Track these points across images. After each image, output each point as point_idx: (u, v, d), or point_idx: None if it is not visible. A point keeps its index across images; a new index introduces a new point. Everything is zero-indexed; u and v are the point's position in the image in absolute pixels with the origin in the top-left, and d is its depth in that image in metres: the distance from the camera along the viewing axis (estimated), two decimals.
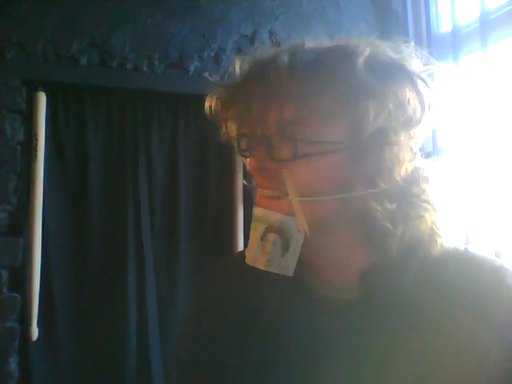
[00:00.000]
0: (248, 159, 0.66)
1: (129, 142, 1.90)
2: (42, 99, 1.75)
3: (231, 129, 0.67)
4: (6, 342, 1.66)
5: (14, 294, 1.69)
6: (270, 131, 0.61)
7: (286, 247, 0.61)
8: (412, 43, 0.65)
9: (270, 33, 2.03)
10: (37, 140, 1.72)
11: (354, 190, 0.62)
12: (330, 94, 0.60)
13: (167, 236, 1.93)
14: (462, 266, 0.66)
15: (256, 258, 0.62)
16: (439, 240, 0.66)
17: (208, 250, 1.96)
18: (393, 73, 0.61)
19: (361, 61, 0.60)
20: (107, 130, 1.89)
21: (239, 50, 1.98)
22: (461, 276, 0.64)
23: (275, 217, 0.61)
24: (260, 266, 0.62)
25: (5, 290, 1.68)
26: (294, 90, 0.59)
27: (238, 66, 0.67)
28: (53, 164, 1.81)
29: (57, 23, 1.79)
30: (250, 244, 0.64)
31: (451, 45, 1.86)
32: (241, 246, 1.92)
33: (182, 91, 1.91)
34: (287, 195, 0.60)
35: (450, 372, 0.59)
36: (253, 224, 0.63)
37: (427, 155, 0.71)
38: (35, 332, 1.67)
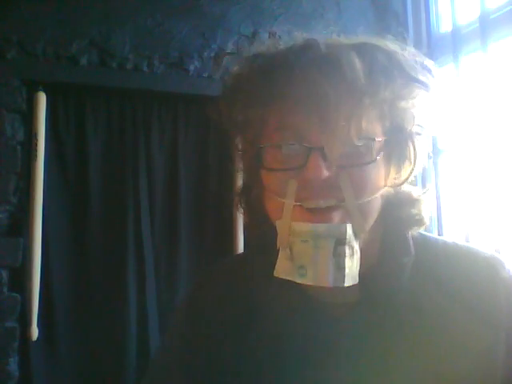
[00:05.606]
0: (289, 172, 0.59)
1: (129, 142, 1.90)
2: (42, 99, 1.75)
3: (265, 135, 0.61)
4: (6, 342, 1.66)
5: (14, 294, 1.69)
6: (347, 136, 0.56)
7: (352, 256, 0.57)
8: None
9: (270, 33, 2.03)
10: (37, 140, 1.72)
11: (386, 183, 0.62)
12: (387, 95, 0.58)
13: (167, 236, 1.93)
14: (455, 261, 0.67)
15: (335, 277, 0.56)
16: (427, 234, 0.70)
17: (208, 250, 1.96)
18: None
19: (410, 63, 0.60)
20: (107, 130, 1.89)
21: (239, 50, 1.98)
22: (455, 272, 0.66)
23: (342, 229, 0.56)
24: (341, 284, 0.56)
25: (5, 289, 1.68)
26: (371, 94, 0.56)
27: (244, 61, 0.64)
28: (53, 164, 1.81)
29: (57, 23, 1.79)
30: (321, 264, 0.56)
31: (451, 45, 1.86)
32: (241, 246, 1.92)
33: (182, 91, 1.92)
34: (343, 201, 0.57)
35: (451, 369, 0.60)
36: (314, 242, 0.56)
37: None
38: (35, 332, 1.67)
